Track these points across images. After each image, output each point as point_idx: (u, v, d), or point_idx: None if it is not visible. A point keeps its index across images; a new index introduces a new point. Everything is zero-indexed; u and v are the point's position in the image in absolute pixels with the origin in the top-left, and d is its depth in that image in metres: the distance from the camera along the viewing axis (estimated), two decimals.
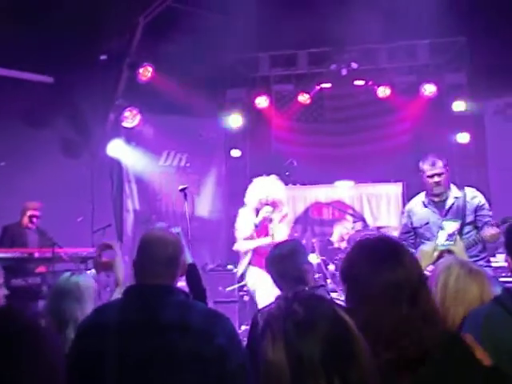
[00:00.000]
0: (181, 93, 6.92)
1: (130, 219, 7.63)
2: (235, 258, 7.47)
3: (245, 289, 6.88)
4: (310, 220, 8.34)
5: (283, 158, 8.27)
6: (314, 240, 6.82)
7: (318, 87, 8.14)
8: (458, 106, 7.80)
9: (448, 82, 7.87)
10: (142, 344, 1.92)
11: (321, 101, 8.30)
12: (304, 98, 8.22)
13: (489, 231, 4.16)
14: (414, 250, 4.64)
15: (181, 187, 5.10)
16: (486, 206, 4.43)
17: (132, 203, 7.67)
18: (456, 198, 4.42)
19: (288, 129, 8.41)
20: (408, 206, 4.78)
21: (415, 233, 4.65)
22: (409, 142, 8.07)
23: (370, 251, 1.69)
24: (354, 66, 7.64)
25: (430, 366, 1.50)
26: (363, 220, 7.88)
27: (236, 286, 7.00)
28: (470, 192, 4.47)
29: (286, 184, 8.27)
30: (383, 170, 8.12)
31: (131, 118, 7.00)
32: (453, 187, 4.48)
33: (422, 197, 4.61)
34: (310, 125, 8.39)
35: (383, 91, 7.95)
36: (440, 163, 4.40)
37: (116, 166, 7.49)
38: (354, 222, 7.79)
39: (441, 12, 6.24)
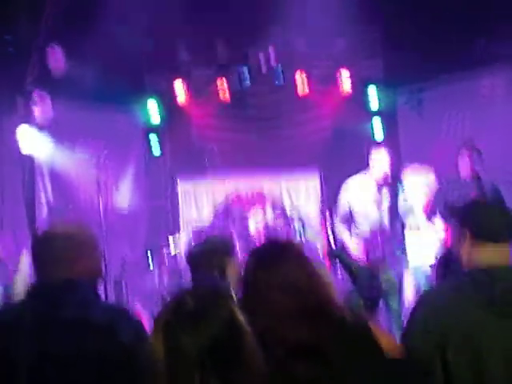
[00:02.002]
0: (96, 79, 6.67)
1: (43, 213, 7.28)
2: (155, 251, 7.37)
3: (165, 281, 6.79)
4: (230, 212, 8.32)
5: (203, 149, 8.24)
6: (232, 232, 6.84)
7: (236, 77, 8.12)
8: (373, 96, 8.06)
9: (363, 72, 8.10)
10: (41, 343, 1.84)
11: (240, 91, 8.28)
12: (223, 89, 8.18)
13: None
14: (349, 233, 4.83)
15: (95, 178, 4.95)
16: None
17: (45, 196, 7.31)
18: (395, 190, 4.65)
19: (208, 122, 8.37)
20: (350, 184, 4.93)
21: (352, 215, 4.85)
22: (326, 132, 8.25)
23: (259, 257, 1.78)
24: (272, 55, 7.68)
25: (324, 355, 1.53)
26: (283, 210, 7.98)
27: (156, 279, 6.89)
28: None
29: (207, 177, 8.30)
30: (302, 161, 8.25)
31: (42, 105, 6.66)
32: (394, 180, 4.71)
33: (365, 179, 4.77)
34: (229, 119, 8.37)
35: (300, 81, 8.05)
36: (385, 155, 4.65)
37: (27, 156, 7.10)
38: (274, 213, 7.87)
39: (354, 5, 6.40)
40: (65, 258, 1.97)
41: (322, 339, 1.53)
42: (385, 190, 4.69)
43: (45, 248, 2.01)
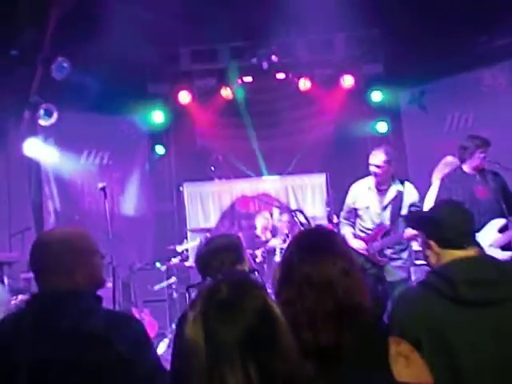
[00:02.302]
0: (100, 89, 6.73)
1: (51, 221, 7.35)
2: (163, 256, 7.42)
3: (173, 286, 6.83)
4: (237, 214, 8.37)
5: (208, 153, 8.28)
6: (240, 234, 6.85)
7: (239, 81, 8.17)
8: (376, 96, 8.08)
9: (365, 73, 8.12)
10: (40, 353, 1.83)
11: (243, 95, 8.31)
12: (227, 93, 8.22)
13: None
14: (353, 230, 4.86)
15: (100, 186, 4.99)
16: (417, 204, 4.68)
17: (52, 204, 7.39)
18: (398, 191, 4.63)
19: (212, 124, 8.38)
20: (354, 186, 4.95)
21: (356, 214, 4.85)
22: (330, 134, 8.26)
23: (304, 241, 1.74)
24: (275, 59, 7.72)
25: (340, 358, 1.50)
26: (289, 211, 7.99)
27: (165, 284, 6.94)
28: (409, 188, 4.70)
29: (212, 179, 8.34)
30: (307, 162, 8.27)
31: (48, 116, 6.74)
32: (397, 181, 4.69)
33: (369, 180, 4.78)
34: (233, 119, 8.39)
35: (304, 84, 8.09)
36: (381, 156, 4.58)
37: (34, 166, 7.18)
38: (281, 213, 7.90)
39: (355, 5, 6.41)
40: (64, 265, 1.94)
41: (343, 343, 1.52)
42: (390, 189, 4.71)
43: (43, 255, 1.97)
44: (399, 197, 4.66)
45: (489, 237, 4.51)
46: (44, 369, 1.81)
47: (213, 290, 1.31)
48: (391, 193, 4.71)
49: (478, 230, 4.41)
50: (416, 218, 2.38)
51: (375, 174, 4.65)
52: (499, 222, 4.57)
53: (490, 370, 1.82)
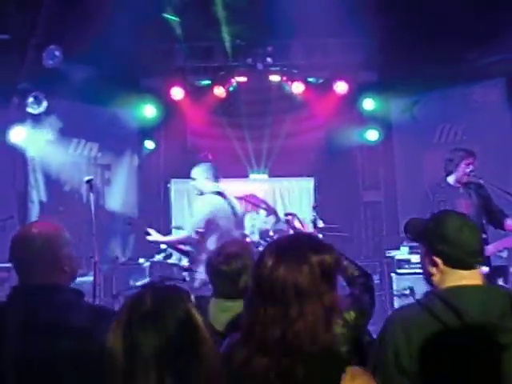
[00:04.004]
0: (91, 80, 6.67)
1: (34, 211, 7.25)
2: (146, 251, 7.37)
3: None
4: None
5: (198, 150, 8.24)
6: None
7: (233, 80, 8.15)
8: (368, 104, 8.10)
9: (359, 80, 8.13)
10: (21, 347, 1.83)
11: (236, 94, 8.29)
12: (220, 92, 8.19)
13: None
14: None
15: (86, 178, 4.93)
16: None
17: (37, 194, 7.29)
18: None
19: (203, 122, 8.35)
20: None
21: None
22: (321, 139, 8.27)
23: (274, 248, 1.62)
24: (269, 60, 7.71)
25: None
26: (276, 214, 7.98)
27: (147, 280, 6.89)
28: None
29: None
30: (296, 165, 8.27)
31: (37, 104, 6.65)
32: None
33: None
34: (225, 118, 8.37)
35: (297, 87, 8.09)
36: None
37: (20, 154, 7.09)
38: (267, 215, 7.88)
39: (353, 12, 6.42)
40: (44, 259, 1.98)
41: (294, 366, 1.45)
42: None
43: (22, 250, 2.01)
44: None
45: None
46: (27, 362, 1.82)
47: (137, 300, 1.34)
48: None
49: None
50: (418, 229, 2.05)
51: None
52: None
53: None
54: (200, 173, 5.33)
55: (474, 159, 4.90)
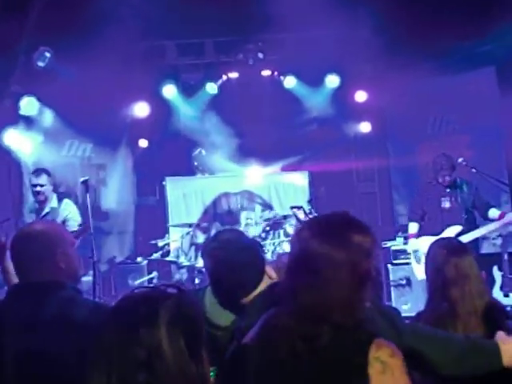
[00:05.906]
0: (83, 79, 6.66)
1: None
2: (144, 250, 7.39)
3: (154, 281, 6.80)
4: (219, 210, 8.35)
5: (192, 147, 8.25)
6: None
7: (225, 77, 8.15)
8: (360, 96, 8.11)
9: (351, 72, 8.12)
10: (23, 343, 1.86)
11: (229, 90, 8.29)
12: (212, 88, 8.19)
13: None
14: None
15: (82, 179, 4.96)
16: None
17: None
18: None
19: (196, 118, 8.36)
20: None
21: None
22: (314, 132, 8.28)
23: (319, 226, 1.65)
24: (261, 56, 7.71)
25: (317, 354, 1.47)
26: (271, 208, 8.02)
27: (145, 278, 6.91)
28: None
29: (194, 174, 8.31)
30: (290, 159, 8.29)
31: (30, 106, 6.65)
32: None
33: None
34: (218, 114, 8.37)
35: (289, 81, 8.09)
36: None
37: (14, 156, 7.09)
38: (263, 210, 7.92)
39: (344, 4, 6.43)
40: (44, 257, 2.01)
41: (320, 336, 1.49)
42: None
43: (22, 248, 2.04)
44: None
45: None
46: (28, 358, 1.84)
47: (117, 304, 1.41)
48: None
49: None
50: None
51: None
52: (455, 228, 5.15)
53: None
54: None
55: (452, 171, 5.46)
